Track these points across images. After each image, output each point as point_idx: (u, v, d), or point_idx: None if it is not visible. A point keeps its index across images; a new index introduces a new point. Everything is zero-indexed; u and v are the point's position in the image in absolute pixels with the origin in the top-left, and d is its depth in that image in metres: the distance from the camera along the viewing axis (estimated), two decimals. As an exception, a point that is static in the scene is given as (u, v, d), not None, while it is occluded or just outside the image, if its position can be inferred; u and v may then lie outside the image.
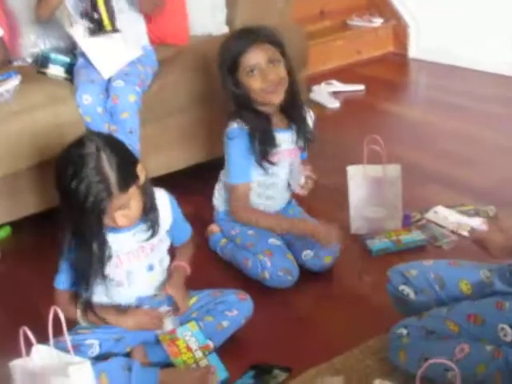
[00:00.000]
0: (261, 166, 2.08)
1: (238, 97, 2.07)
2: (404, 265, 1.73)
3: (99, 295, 1.74)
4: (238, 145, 2.08)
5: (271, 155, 2.08)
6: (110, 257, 1.69)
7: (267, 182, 2.17)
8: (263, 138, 2.06)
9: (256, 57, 2.01)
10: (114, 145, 1.64)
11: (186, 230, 1.92)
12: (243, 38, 2.05)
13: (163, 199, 1.77)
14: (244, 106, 2.08)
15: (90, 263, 1.66)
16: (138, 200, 1.65)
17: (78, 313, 1.72)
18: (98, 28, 2.38)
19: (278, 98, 2.04)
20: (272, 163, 2.08)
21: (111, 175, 1.57)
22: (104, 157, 1.57)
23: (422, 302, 1.65)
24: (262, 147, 2.05)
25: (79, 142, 1.61)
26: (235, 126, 2.08)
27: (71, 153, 1.59)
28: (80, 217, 1.59)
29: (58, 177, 1.60)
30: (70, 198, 1.57)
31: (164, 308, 1.78)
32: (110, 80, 2.41)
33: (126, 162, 1.63)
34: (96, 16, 2.36)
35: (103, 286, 1.71)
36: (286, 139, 2.14)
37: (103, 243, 1.67)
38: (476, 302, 1.56)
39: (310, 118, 2.24)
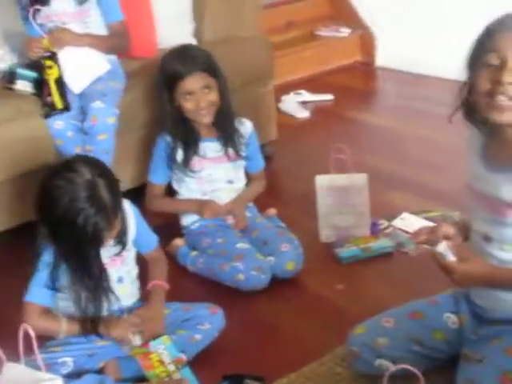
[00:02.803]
0: (183, 172, 2.29)
1: (171, 110, 2.28)
2: (363, 331, 1.64)
3: (65, 311, 1.73)
4: (159, 152, 2.33)
5: (193, 163, 2.29)
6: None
7: (207, 182, 2.32)
8: (187, 148, 2.28)
9: (192, 85, 2.23)
10: (103, 169, 1.63)
11: (152, 239, 1.94)
12: (182, 63, 2.23)
13: (127, 209, 1.78)
14: (176, 119, 2.29)
15: (96, 287, 1.65)
16: (119, 218, 1.66)
17: (63, 325, 1.70)
18: (51, 110, 2.38)
19: (207, 119, 2.28)
20: (193, 171, 2.29)
21: (108, 202, 1.56)
22: (100, 183, 1.56)
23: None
24: (185, 156, 2.27)
25: (69, 168, 1.58)
26: (162, 136, 2.32)
27: (62, 180, 1.55)
28: (77, 247, 1.58)
29: (46, 206, 1.57)
30: (64, 229, 1.55)
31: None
32: (84, 100, 2.40)
33: (115, 185, 1.64)
34: (49, 100, 2.38)
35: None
36: (212, 148, 2.33)
37: (102, 268, 1.67)
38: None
39: (245, 129, 2.37)
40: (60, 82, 2.40)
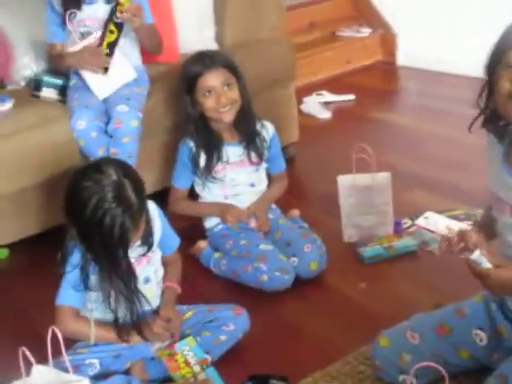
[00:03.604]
0: (205, 178, 2.30)
1: (194, 115, 2.29)
2: (387, 345, 1.60)
3: (99, 313, 1.76)
4: (182, 157, 2.35)
5: (216, 169, 2.30)
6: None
7: (229, 186, 2.33)
8: (210, 154, 2.29)
9: (212, 80, 2.23)
10: (128, 170, 1.67)
11: (174, 241, 1.97)
12: (201, 62, 2.25)
13: (152, 211, 1.80)
14: (198, 123, 2.29)
15: (125, 286, 1.68)
16: (144, 219, 1.69)
17: (92, 329, 1.73)
18: None
19: (229, 117, 2.27)
20: (215, 177, 2.30)
21: (134, 202, 1.59)
22: (127, 184, 1.59)
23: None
24: (208, 162, 2.29)
25: (96, 169, 1.61)
26: (185, 141, 2.33)
27: (90, 181, 1.58)
28: (106, 247, 1.61)
29: (75, 206, 1.60)
30: (93, 229, 1.58)
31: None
32: (109, 104, 2.43)
33: (141, 186, 1.67)
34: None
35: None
36: (234, 152, 2.33)
37: (131, 268, 1.69)
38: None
39: (267, 132, 2.37)
40: (111, 45, 2.44)
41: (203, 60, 2.25)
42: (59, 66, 2.59)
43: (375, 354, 1.63)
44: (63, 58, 2.53)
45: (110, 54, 2.45)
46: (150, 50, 2.67)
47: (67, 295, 1.73)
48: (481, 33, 3.60)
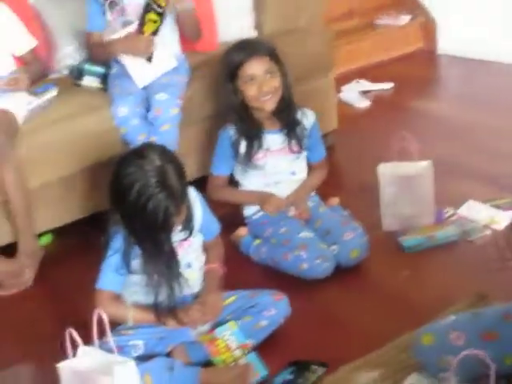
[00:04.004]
0: (245, 165, 2.31)
1: (235, 103, 2.29)
2: (430, 344, 1.56)
3: (140, 295, 1.79)
4: (223, 144, 2.35)
5: (257, 157, 2.30)
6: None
7: (270, 174, 2.33)
8: (251, 141, 2.29)
9: (254, 68, 2.23)
10: (171, 155, 1.69)
11: (215, 226, 1.98)
12: (244, 49, 2.26)
13: (193, 197, 1.82)
14: (239, 111, 2.30)
15: (167, 269, 1.71)
16: (186, 204, 1.71)
17: (131, 312, 1.76)
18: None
19: (270, 105, 2.27)
20: (256, 165, 2.30)
21: (176, 187, 1.62)
22: (169, 169, 1.62)
23: None
24: (248, 149, 2.29)
25: (139, 155, 1.63)
26: (226, 128, 2.34)
27: (133, 167, 1.61)
28: (149, 232, 1.64)
29: (119, 192, 1.63)
30: (136, 213, 1.61)
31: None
32: (149, 92, 2.46)
33: (183, 171, 1.69)
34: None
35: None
36: (275, 140, 2.33)
37: (173, 252, 1.72)
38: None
39: (307, 119, 2.37)
40: (154, 34, 2.45)
41: (246, 48, 2.26)
42: (100, 55, 2.61)
43: (417, 352, 1.61)
44: (105, 46, 2.56)
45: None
46: (190, 35, 2.68)
47: (107, 279, 1.76)
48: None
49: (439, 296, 1.95)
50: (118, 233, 1.72)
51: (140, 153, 1.66)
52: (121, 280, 1.77)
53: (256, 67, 2.23)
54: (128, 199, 1.60)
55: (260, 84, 2.23)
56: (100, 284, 1.77)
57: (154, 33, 2.47)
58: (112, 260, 1.74)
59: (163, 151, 1.69)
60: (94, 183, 2.44)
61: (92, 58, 2.67)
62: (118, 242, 1.73)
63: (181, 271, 1.76)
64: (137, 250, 1.72)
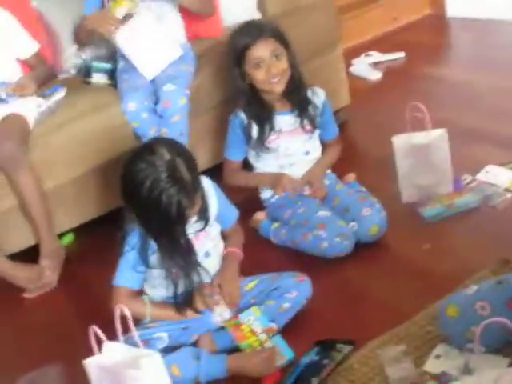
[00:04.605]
0: (257, 149, 2.30)
1: (244, 87, 2.27)
2: (455, 316, 1.56)
3: (163, 289, 1.80)
4: (234, 130, 2.34)
5: (269, 139, 2.29)
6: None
7: (284, 156, 2.32)
8: (262, 124, 2.28)
9: (261, 51, 2.20)
10: (180, 148, 1.69)
11: (233, 213, 1.98)
12: (249, 32, 2.22)
13: (207, 186, 1.82)
14: (248, 95, 2.28)
15: (185, 262, 1.71)
16: (199, 195, 1.71)
17: (149, 308, 1.78)
18: None
19: (279, 87, 2.25)
20: (269, 148, 2.29)
21: (188, 180, 1.62)
22: (179, 163, 1.61)
23: None
24: (260, 133, 2.28)
25: (149, 151, 1.63)
26: (236, 113, 2.32)
27: (144, 163, 1.61)
28: (164, 226, 1.64)
29: (131, 189, 1.63)
30: (150, 209, 1.61)
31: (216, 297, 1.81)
32: (156, 84, 2.46)
33: (193, 163, 1.69)
34: None
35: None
36: (287, 121, 2.31)
37: (189, 244, 1.72)
38: None
39: (318, 98, 2.35)
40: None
41: (251, 31, 2.23)
42: (79, 34, 2.62)
43: (442, 324, 1.61)
44: (81, 24, 2.56)
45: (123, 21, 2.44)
46: (202, 11, 2.66)
47: (124, 276, 1.77)
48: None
49: (462, 265, 1.92)
50: (134, 229, 1.72)
51: (149, 148, 1.65)
52: (138, 277, 1.78)
53: (263, 50, 2.21)
54: (140, 196, 1.61)
55: (268, 67, 2.21)
56: (117, 281, 1.78)
57: (126, 16, 2.45)
58: (129, 256, 1.75)
59: (172, 145, 1.68)
60: (108, 180, 2.45)
61: (75, 40, 2.68)
62: (134, 238, 1.73)
63: (199, 262, 1.76)
64: (153, 246, 1.73)
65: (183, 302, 1.76)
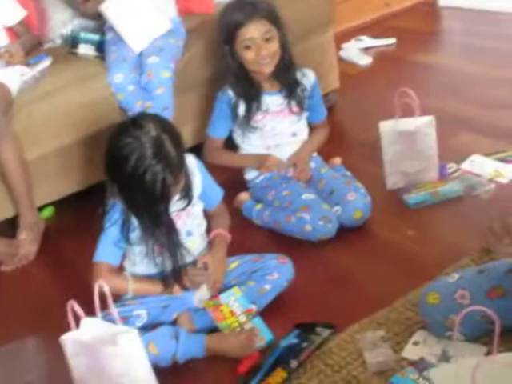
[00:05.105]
0: (243, 128, 2.28)
1: (233, 65, 2.25)
2: (436, 303, 1.55)
3: (144, 265, 1.78)
4: (221, 106, 2.31)
5: (256, 118, 2.27)
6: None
7: (270, 136, 2.31)
8: (249, 103, 2.26)
9: (252, 32, 2.17)
10: (167, 124, 1.66)
11: (217, 193, 1.96)
12: (242, 10, 2.17)
13: (192, 165, 1.80)
14: (237, 73, 2.26)
15: (167, 240, 1.70)
16: (184, 173, 1.69)
17: (130, 284, 1.76)
18: None
19: (269, 68, 2.23)
20: (255, 126, 2.27)
21: (174, 157, 1.59)
22: (166, 139, 1.59)
23: None
24: (247, 111, 2.26)
25: (135, 125, 1.59)
26: (224, 90, 2.29)
27: (129, 138, 1.57)
28: (147, 203, 1.61)
29: (115, 164, 1.60)
30: (133, 185, 1.58)
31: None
32: (142, 56, 2.43)
33: (179, 140, 1.66)
34: None
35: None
36: (274, 101, 2.30)
37: (171, 223, 1.70)
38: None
39: (308, 80, 2.33)
40: None
41: (244, 8, 2.18)
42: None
43: (423, 311, 1.61)
44: None
45: None
46: None
47: (105, 251, 1.75)
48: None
49: (445, 252, 1.93)
50: (116, 205, 1.70)
51: (135, 123, 1.62)
52: (119, 252, 1.76)
53: (254, 31, 2.17)
54: (124, 171, 1.58)
55: (258, 48, 2.18)
56: (98, 256, 1.75)
57: None
58: (110, 232, 1.73)
59: (159, 120, 1.66)
60: (91, 154, 2.41)
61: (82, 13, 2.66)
62: (115, 214, 1.71)
63: (181, 240, 1.74)
64: (135, 222, 1.71)
65: (171, 278, 1.74)
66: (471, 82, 2.99)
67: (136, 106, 2.36)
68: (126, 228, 1.71)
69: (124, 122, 1.68)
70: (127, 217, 1.70)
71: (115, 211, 1.71)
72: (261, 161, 2.29)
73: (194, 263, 1.81)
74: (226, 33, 2.23)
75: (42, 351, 1.91)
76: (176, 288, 1.77)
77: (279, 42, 2.22)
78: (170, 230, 1.70)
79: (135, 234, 1.73)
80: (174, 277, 1.75)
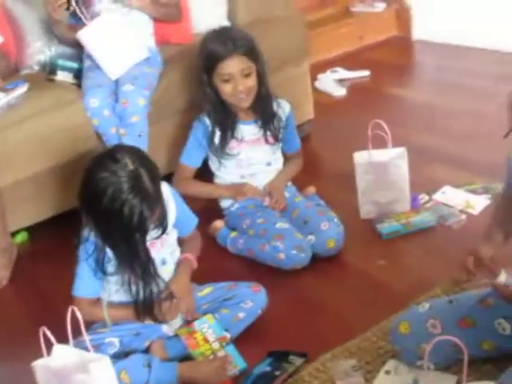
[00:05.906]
0: (219, 156, 2.31)
1: (210, 93, 2.28)
2: (407, 333, 1.57)
3: (121, 294, 1.77)
4: (196, 135, 2.34)
5: (231, 145, 2.30)
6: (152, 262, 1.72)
7: (245, 165, 2.34)
8: (224, 131, 2.29)
9: (231, 67, 2.21)
10: (143, 158, 1.66)
11: (192, 220, 1.96)
12: (223, 45, 2.20)
13: (167, 193, 1.79)
14: (214, 101, 2.29)
15: (143, 271, 1.68)
16: (160, 204, 1.69)
17: (105, 311, 1.75)
18: None
19: (246, 103, 2.28)
20: (230, 154, 2.30)
21: (151, 191, 1.59)
22: (142, 173, 1.59)
23: None
24: (222, 138, 2.29)
25: (112, 159, 1.59)
26: (201, 118, 2.33)
27: (106, 172, 1.57)
28: (124, 236, 1.61)
29: (92, 197, 1.59)
30: (110, 219, 1.58)
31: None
32: (118, 84, 2.44)
33: (156, 173, 1.66)
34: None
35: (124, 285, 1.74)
36: (250, 131, 2.33)
37: (148, 253, 1.69)
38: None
39: (283, 111, 2.37)
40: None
41: (225, 43, 2.20)
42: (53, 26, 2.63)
43: (394, 340, 1.62)
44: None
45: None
46: (167, 19, 2.69)
47: (83, 285, 1.74)
48: (496, 6, 3.55)
49: (417, 282, 1.95)
50: (90, 236, 1.69)
51: (111, 156, 1.61)
52: (98, 284, 1.75)
53: (233, 67, 2.20)
54: (101, 205, 1.57)
55: (236, 83, 2.22)
56: (76, 291, 1.75)
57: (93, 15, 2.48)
58: (85, 265, 1.72)
59: (136, 153, 1.65)
60: (66, 180, 2.41)
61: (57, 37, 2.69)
62: (90, 245, 1.70)
63: (156, 270, 1.74)
64: (110, 253, 1.70)
65: (143, 310, 1.74)
66: (442, 115, 3.05)
67: (111, 132, 2.37)
68: (101, 259, 1.70)
69: (100, 155, 1.67)
70: (102, 248, 1.69)
71: (90, 243, 1.70)
72: (237, 189, 2.30)
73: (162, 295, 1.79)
74: (206, 63, 2.26)
75: (11, 379, 1.88)
76: (149, 320, 1.76)
77: (257, 75, 2.25)
78: (147, 260, 1.70)
79: (111, 264, 1.72)
80: (146, 310, 1.74)
